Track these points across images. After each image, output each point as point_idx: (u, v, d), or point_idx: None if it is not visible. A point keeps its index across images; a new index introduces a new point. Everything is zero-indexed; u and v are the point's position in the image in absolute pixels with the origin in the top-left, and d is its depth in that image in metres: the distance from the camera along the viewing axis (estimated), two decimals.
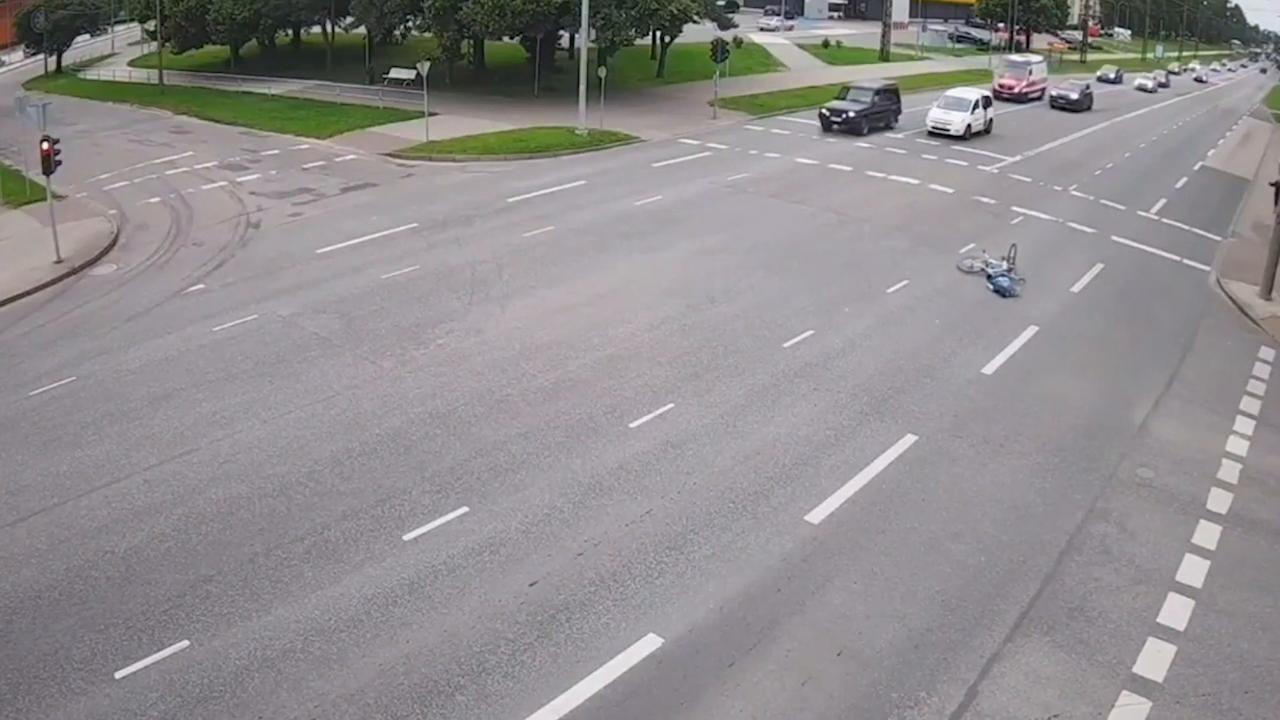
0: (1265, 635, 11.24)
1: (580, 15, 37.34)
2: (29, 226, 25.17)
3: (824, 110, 40.02)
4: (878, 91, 40.97)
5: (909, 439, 14.97)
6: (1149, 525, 13.27)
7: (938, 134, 40.33)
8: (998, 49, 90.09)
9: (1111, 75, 77.53)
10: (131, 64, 63.40)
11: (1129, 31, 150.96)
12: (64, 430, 14.55)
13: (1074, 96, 53.56)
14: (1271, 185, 26.20)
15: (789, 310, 19.83)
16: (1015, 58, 62.55)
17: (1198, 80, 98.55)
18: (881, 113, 40.44)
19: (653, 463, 13.94)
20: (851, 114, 38.76)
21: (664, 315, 19.34)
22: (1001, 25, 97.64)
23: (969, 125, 40.59)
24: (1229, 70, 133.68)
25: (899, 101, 41.88)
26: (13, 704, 9.43)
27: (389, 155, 34.06)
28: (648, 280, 21.39)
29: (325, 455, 13.90)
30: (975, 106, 41.35)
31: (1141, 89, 74.36)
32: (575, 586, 11.30)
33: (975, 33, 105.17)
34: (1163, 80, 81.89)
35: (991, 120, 42.92)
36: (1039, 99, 55.90)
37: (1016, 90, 54.21)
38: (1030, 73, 57.07)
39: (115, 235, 24.55)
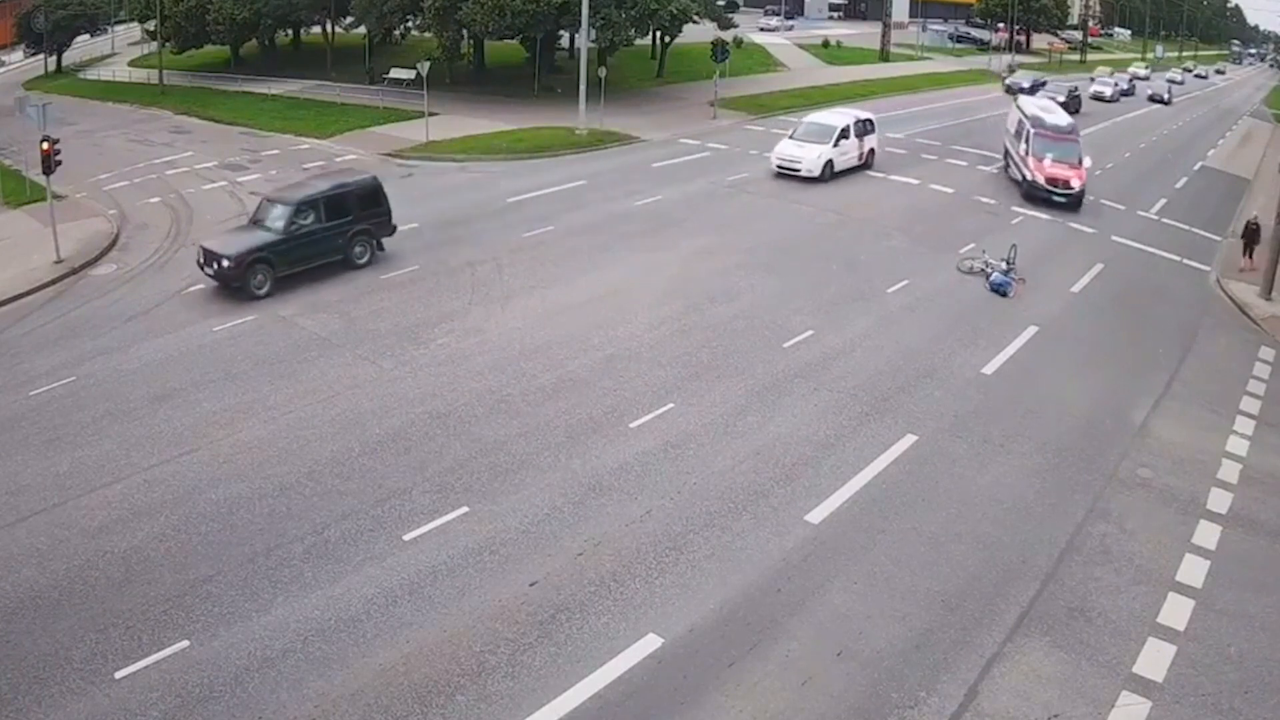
0: (1265, 635, 11.25)
1: (580, 15, 37.35)
2: (29, 226, 25.16)
3: (201, 251, 20.28)
4: (327, 198, 20.90)
5: (909, 439, 14.98)
6: (1149, 525, 13.28)
7: (786, 175, 30.74)
8: (998, 49, 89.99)
9: (1025, 84, 59.51)
10: (131, 64, 63.34)
11: (1129, 31, 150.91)
12: (64, 430, 14.55)
13: (1059, 99, 51.66)
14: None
15: (789, 310, 19.83)
16: (1046, 112, 32.49)
17: (1154, 100, 66.16)
18: (328, 234, 20.72)
19: (653, 463, 13.94)
20: (227, 261, 19.37)
21: (664, 315, 19.34)
22: (1001, 25, 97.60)
23: (829, 163, 30.69)
24: (1199, 77, 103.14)
25: (380, 209, 21.93)
26: (13, 704, 9.44)
27: (389, 155, 34.04)
28: (648, 280, 21.39)
29: (325, 455, 13.91)
30: (840, 136, 31.24)
31: (1098, 98, 60.81)
32: (575, 586, 11.31)
33: (975, 33, 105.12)
34: (1125, 88, 66.55)
35: (872, 151, 32.88)
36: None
37: (1077, 187, 29.24)
38: (1080, 146, 31.01)
39: (115, 235, 24.55)
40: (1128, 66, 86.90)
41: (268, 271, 19.76)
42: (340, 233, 20.96)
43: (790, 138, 32.10)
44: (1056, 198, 29.11)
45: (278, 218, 20.30)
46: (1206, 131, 53.94)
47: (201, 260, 20.05)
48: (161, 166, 32.91)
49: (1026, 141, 30.49)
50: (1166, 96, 66.97)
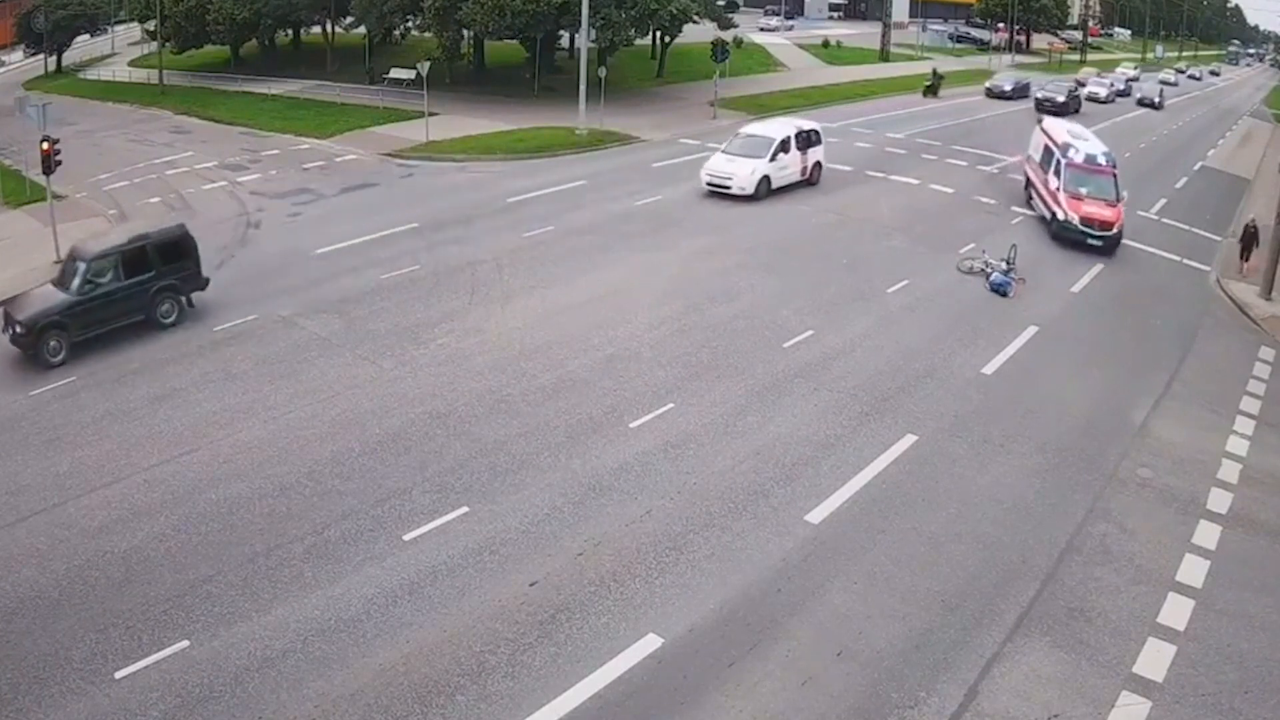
0: (1264, 635, 11.26)
1: (580, 15, 37.35)
2: (29, 226, 25.17)
3: (1, 313, 18.14)
4: (124, 253, 18.42)
5: (909, 439, 14.98)
6: (1149, 525, 13.29)
7: (717, 193, 28.07)
8: (998, 49, 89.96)
9: (1007, 87, 56.63)
10: (131, 64, 63.33)
11: (1129, 31, 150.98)
12: (64, 430, 14.56)
13: (1060, 99, 50.72)
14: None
15: (789, 310, 19.83)
16: (1078, 139, 28.19)
17: (1143, 104, 61.72)
18: (128, 294, 18.30)
19: (653, 463, 13.94)
20: (20, 328, 17.29)
21: (664, 315, 19.34)
22: (1001, 25, 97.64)
23: (764, 179, 27.94)
24: (1193, 78, 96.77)
25: (187, 261, 19.16)
26: (13, 704, 9.44)
27: (389, 155, 34.06)
28: (648, 280, 21.39)
29: (325, 455, 13.91)
30: (779, 150, 28.44)
31: (1093, 99, 57.99)
32: (575, 586, 11.31)
33: (975, 33, 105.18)
34: (1121, 88, 64.35)
35: (818, 165, 30.11)
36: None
37: (1116, 230, 25.33)
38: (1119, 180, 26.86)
39: None
40: (1115, 67, 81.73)
41: (61, 338, 17.42)
42: (142, 291, 18.46)
43: (723, 151, 29.17)
44: (1091, 240, 25.09)
45: (72, 277, 18.05)
46: (1206, 131, 53.93)
47: (2, 324, 17.77)
48: (161, 166, 32.92)
49: (1057, 173, 26.44)
50: (1157, 100, 62.22)
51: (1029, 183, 29.84)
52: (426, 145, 34.86)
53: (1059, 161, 26.63)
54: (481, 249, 23.14)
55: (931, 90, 55.24)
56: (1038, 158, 29.15)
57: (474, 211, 26.60)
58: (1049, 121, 31.11)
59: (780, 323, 19.17)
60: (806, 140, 29.73)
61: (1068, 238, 25.50)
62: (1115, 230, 25.30)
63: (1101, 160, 26.69)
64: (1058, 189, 26.26)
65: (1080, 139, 28.14)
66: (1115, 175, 26.54)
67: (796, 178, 29.36)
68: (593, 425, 14.97)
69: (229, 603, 10.87)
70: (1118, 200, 25.95)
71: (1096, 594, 11.73)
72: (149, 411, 15.14)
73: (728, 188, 27.94)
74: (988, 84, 58.83)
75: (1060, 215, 25.78)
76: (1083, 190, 25.86)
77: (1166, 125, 54.38)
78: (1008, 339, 19.18)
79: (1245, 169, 42.18)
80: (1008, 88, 56.73)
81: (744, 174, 27.84)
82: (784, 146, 28.72)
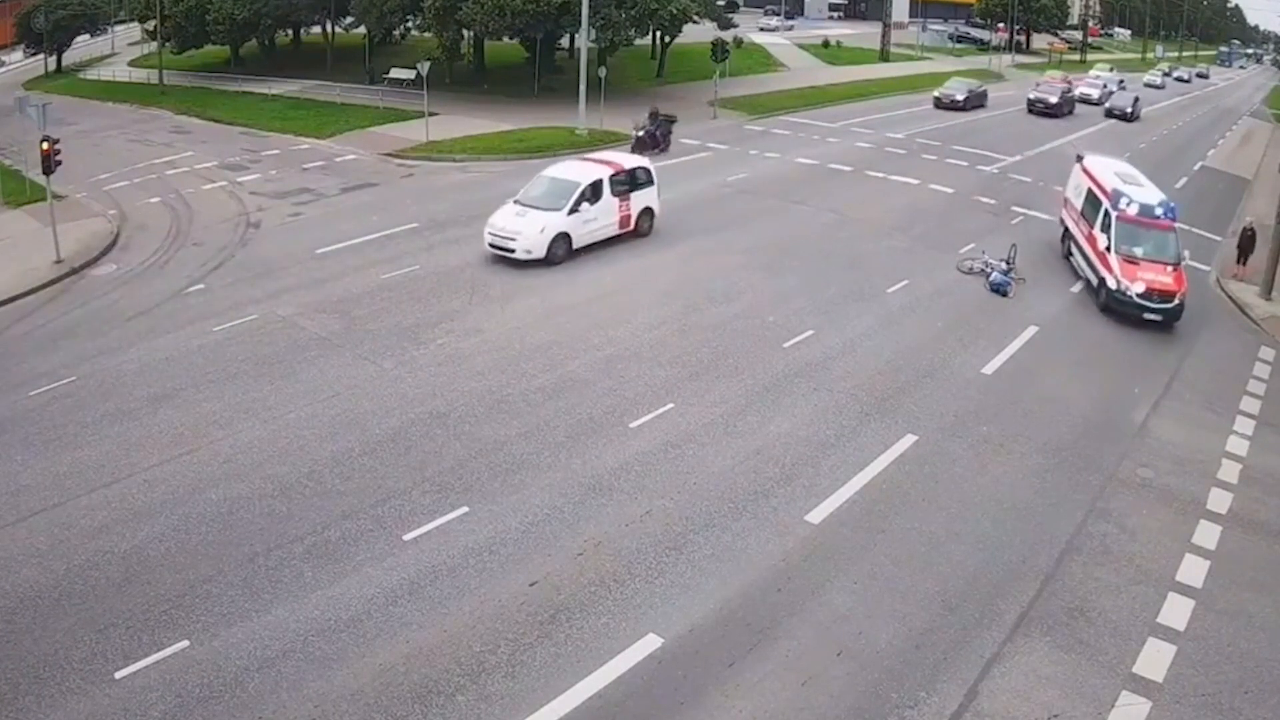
0: (1264, 635, 11.27)
1: (580, 15, 37.35)
2: (29, 226, 25.16)
3: None
4: None
5: (909, 439, 14.98)
6: (1149, 525, 13.29)
7: (501, 255, 22.02)
8: (998, 49, 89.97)
9: (959, 96, 49.67)
10: (131, 64, 63.32)
11: (1129, 31, 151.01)
12: (64, 430, 14.54)
13: (1053, 100, 49.93)
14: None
15: (789, 310, 19.84)
16: (1129, 183, 23.08)
17: (1113, 115, 52.47)
18: None
19: (653, 463, 13.94)
20: None
21: (664, 315, 19.34)
22: (1001, 25, 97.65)
23: (560, 238, 21.92)
24: (1180, 80, 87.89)
25: None
26: (13, 704, 9.43)
27: (389, 155, 34.06)
28: (648, 280, 21.39)
29: (325, 455, 13.90)
30: (584, 198, 22.31)
31: (1085, 100, 54.58)
32: (575, 586, 11.31)
33: (975, 33, 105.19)
34: (1113, 89, 60.23)
35: (648, 212, 24.23)
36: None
37: (1178, 296, 20.52)
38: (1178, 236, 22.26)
39: (115, 235, 24.54)
40: (1091, 69, 74.76)
41: None
42: None
43: (514, 201, 22.81)
44: (1149, 314, 20.38)
45: None
46: (1206, 131, 53.93)
47: None
48: (161, 166, 32.90)
49: (1105, 228, 21.54)
50: (1130, 110, 52.64)
51: (1067, 233, 24.98)
52: (426, 145, 34.87)
53: (1107, 214, 21.65)
54: (481, 248, 23.10)
55: (646, 144, 33.41)
56: (1079, 204, 24.09)
57: (474, 211, 26.50)
58: (1091, 160, 25.23)
59: (780, 323, 19.17)
60: (630, 182, 23.72)
61: (1119, 311, 20.74)
62: (1177, 300, 20.50)
63: (1159, 212, 21.59)
64: (1107, 248, 21.28)
65: (1132, 184, 23.04)
66: (1175, 229, 21.84)
67: (613, 230, 23.35)
68: (593, 425, 14.96)
69: (229, 603, 10.86)
70: (1179, 261, 21.18)
71: (1096, 594, 11.73)
72: (149, 411, 15.13)
73: (511, 251, 21.69)
74: (936, 92, 50.84)
75: (1111, 283, 20.85)
76: (1138, 251, 21.00)
77: (1167, 125, 54.35)
78: (1008, 339, 19.18)
79: (1245, 169, 42.20)
80: (960, 97, 49.84)
81: (531, 233, 21.60)
82: (592, 193, 22.53)
